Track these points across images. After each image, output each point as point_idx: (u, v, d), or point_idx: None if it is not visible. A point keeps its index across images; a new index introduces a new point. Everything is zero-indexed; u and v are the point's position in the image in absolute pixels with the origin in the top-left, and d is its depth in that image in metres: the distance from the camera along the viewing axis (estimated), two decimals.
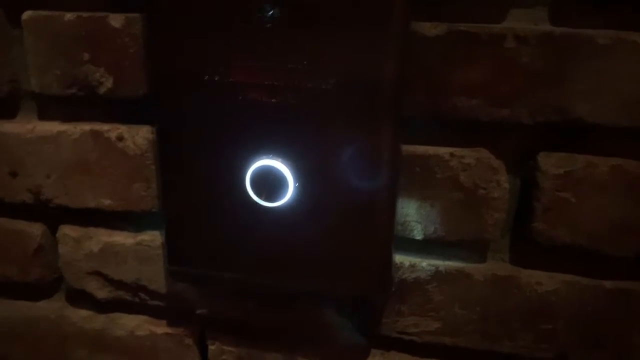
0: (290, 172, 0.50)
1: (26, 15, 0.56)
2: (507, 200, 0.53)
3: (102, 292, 0.65)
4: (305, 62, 0.47)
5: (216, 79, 0.49)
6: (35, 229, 0.65)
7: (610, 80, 0.47)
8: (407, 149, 0.52)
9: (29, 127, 0.60)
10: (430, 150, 0.52)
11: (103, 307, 0.67)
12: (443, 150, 0.52)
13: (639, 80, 0.47)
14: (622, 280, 0.53)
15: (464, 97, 0.50)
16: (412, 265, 0.56)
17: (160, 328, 0.65)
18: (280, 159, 0.50)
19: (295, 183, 0.50)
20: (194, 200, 0.54)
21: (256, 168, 0.51)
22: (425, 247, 0.56)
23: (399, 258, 0.56)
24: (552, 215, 0.52)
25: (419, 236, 0.55)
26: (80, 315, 0.68)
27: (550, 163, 0.51)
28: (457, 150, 0.52)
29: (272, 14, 0.46)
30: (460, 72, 0.49)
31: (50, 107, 0.60)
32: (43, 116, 0.61)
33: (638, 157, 0.50)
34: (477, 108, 0.50)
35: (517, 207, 0.54)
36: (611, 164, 0.50)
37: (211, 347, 0.65)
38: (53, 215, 0.64)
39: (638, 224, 0.51)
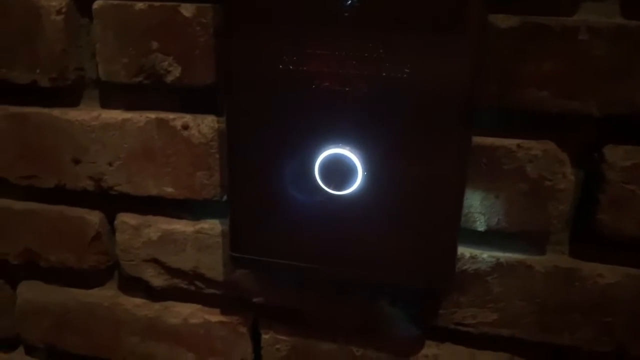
0: (360, 161, 0.51)
1: (97, 4, 0.57)
2: (572, 192, 0.53)
3: (158, 280, 0.66)
4: (380, 51, 0.47)
5: (291, 67, 0.49)
6: (94, 217, 0.65)
7: None
8: (475, 140, 0.53)
9: (94, 114, 0.60)
10: (497, 141, 0.53)
11: (157, 295, 0.68)
12: (510, 142, 0.53)
13: None
14: None
15: (534, 89, 0.50)
16: (473, 257, 0.57)
17: (214, 316, 0.66)
18: (349, 148, 0.51)
19: (364, 172, 0.51)
20: (261, 187, 0.54)
21: (326, 156, 0.51)
22: (486, 238, 0.57)
23: (460, 249, 0.57)
24: (617, 208, 0.52)
25: (481, 227, 0.56)
26: (134, 303, 0.68)
27: (618, 155, 0.51)
28: (524, 142, 0.53)
29: (350, 3, 0.47)
30: (532, 64, 0.50)
31: (114, 95, 0.61)
32: (105, 104, 0.62)
33: None
34: (546, 100, 0.50)
35: (580, 199, 0.55)
36: None
37: (265, 336, 0.65)
38: (111, 203, 0.65)
39: None
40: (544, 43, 0.49)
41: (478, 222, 0.56)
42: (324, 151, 0.51)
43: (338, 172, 0.52)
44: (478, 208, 0.55)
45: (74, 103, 0.63)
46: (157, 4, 0.55)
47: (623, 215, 0.52)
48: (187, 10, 0.55)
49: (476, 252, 0.57)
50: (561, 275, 0.56)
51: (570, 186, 0.53)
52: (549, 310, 0.57)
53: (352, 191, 0.52)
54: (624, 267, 0.55)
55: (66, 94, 0.61)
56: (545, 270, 0.56)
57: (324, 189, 0.52)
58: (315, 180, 0.52)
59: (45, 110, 0.62)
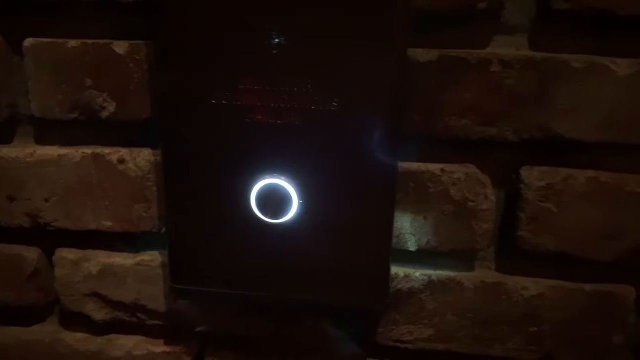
0: (295, 190, 0.53)
1: (28, 42, 0.57)
2: (494, 212, 0.57)
3: (100, 314, 0.66)
4: (309, 85, 0.50)
5: (224, 102, 0.51)
6: (32, 253, 0.65)
7: (586, 100, 0.52)
8: (402, 165, 0.56)
9: (29, 151, 0.60)
10: (423, 167, 0.56)
11: (99, 329, 0.67)
12: (435, 167, 0.56)
13: (610, 99, 0.52)
14: (602, 283, 0.58)
15: (455, 117, 0.54)
16: (407, 276, 0.60)
17: (158, 347, 0.66)
18: (285, 178, 0.53)
19: (299, 200, 0.53)
20: (198, 219, 0.56)
21: (262, 187, 0.53)
22: (419, 258, 0.59)
23: (394, 269, 0.60)
24: (536, 225, 0.56)
25: (413, 248, 0.59)
26: (76, 338, 0.68)
27: (533, 176, 0.55)
28: (448, 166, 0.56)
29: (278, 41, 0.49)
30: (451, 94, 0.53)
31: (49, 131, 0.61)
32: (41, 141, 0.62)
33: (612, 168, 0.55)
34: (467, 127, 0.54)
35: (502, 217, 0.58)
36: (588, 175, 0.55)
37: None
38: (49, 239, 0.64)
39: (614, 230, 0.55)
40: (461, 75, 0.53)
41: (410, 243, 0.58)
42: (260, 182, 0.53)
43: (274, 201, 0.53)
44: (409, 229, 0.58)
45: (7, 140, 0.62)
46: (89, 41, 0.56)
47: (542, 231, 0.56)
48: (120, 47, 0.56)
49: (409, 271, 0.60)
50: (489, 290, 0.59)
51: (492, 206, 0.56)
52: (481, 324, 0.60)
53: (289, 219, 0.54)
54: (546, 279, 0.59)
55: None
56: (474, 286, 0.59)
57: (261, 218, 0.54)
58: (252, 210, 0.54)
59: None
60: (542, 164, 0.56)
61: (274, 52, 0.49)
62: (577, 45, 0.52)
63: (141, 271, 0.63)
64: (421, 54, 0.53)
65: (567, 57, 0.51)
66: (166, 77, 0.52)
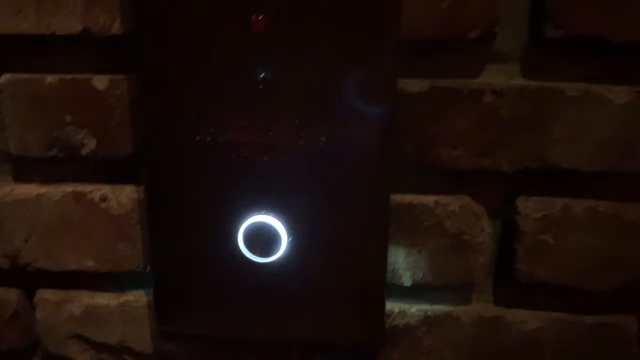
0: (284, 227, 0.51)
1: (4, 78, 0.55)
2: (490, 244, 0.55)
3: (83, 357, 0.63)
4: (296, 121, 0.48)
5: (208, 139, 0.49)
6: (11, 295, 0.62)
7: (581, 129, 0.51)
8: (395, 198, 0.54)
9: (6, 190, 0.58)
10: (416, 199, 0.54)
11: None
12: (428, 199, 0.54)
13: (606, 127, 0.50)
14: (602, 315, 0.56)
15: (448, 148, 0.52)
16: (402, 312, 0.58)
17: None
18: (273, 215, 0.51)
19: (288, 237, 0.51)
20: (185, 259, 0.54)
21: (249, 224, 0.51)
22: (414, 292, 0.57)
23: (389, 305, 0.57)
24: (533, 257, 0.54)
25: (407, 283, 0.57)
26: None
27: (530, 207, 0.54)
28: (442, 198, 0.54)
29: (263, 76, 0.47)
30: (443, 125, 0.51)
31: (28, 168, 0.59)
32: (19, 178, 0.60)
33: (609, 197, 0.53)
34: (460, 158, 0.52)
35: (499, 249, 0.57)
36: (585, 205, 0.53)
37: None
38: (29, 279, 0.62)
39: (613, 261, 0.54)
40: (453, 105, 0.51)
41: (404, 278, 0.56)
42: (247, 219, 0.51)
43: (262, 239, 0.51)
44: (403, 264, 0.56)
45: None
46: (68, 76, 0.54)
47: (539, 263, 0.55)
48: (100, 82, 0.54)
49: (405, 306, 0.58)
50: (487, 324, 0.57)
51: (487, 238, 0.55)
52: (479, 359, 0.58)
53: (278, 257, 0.52)
54: (546, 311, 0.57)
55: None
56: (472, 320, 0.57)
57: (249, 257, 0.52)
58: (240, 249, 0.52)
59: None
60: (539, 193, 0.54)
61: (260, 86, 0.48)
62: (572, 72, 0.51)
63: (126, 311, 0.61)
64: (411, 85, 0.51)
65: (562, 86, 0.50)
66: (148, 112, 0.50)
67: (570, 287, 0.55)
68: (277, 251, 0.52)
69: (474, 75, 0.52)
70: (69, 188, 0.57)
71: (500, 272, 0.57)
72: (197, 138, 0.49)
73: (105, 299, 0.61)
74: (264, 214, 0.51)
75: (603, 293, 0.55)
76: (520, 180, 0.54)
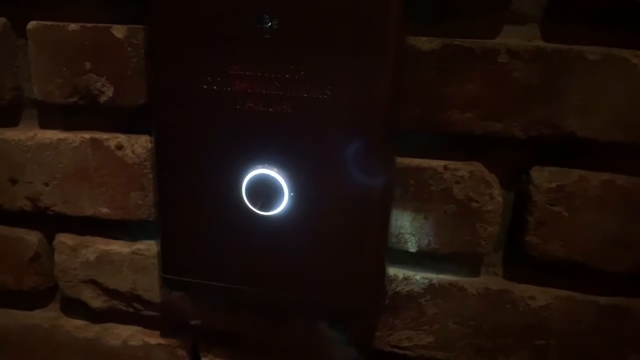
0: (286, 182, 0.51)
1: (31, 25, 0.57)
2: (501, 214, 0.53)
3: (96, 302, 0.65)
4: (302, 72, 0.48)
5: (215, 87, 0.49)
6: (32, 237, 0.65)
7: (601, 96, 0.48)
8: (402, 161, 0.53)
9: (29, 134, 0.60)
10: (425, 163, 0.53)
11: (97, 316, 0.67)
12: (437, 163, 0.53)
13: (629, 95, 0.48)
14: (616, 297, 0.54)
15: (458, 111, 0.50)
16: (406, 278, 0.57)
17: (154, 339, 0.65)
18: (276, 168, 0.51)
19: (290, 192, 0.51)
20: (190, 208, 0.54)
21: (252, 177, 0.51)
22: (420, 260, 0.56)
23: (393, 271, 0.57)
24: (545, 230, 0.52)
25: (413, 249, 0.56)
26: (74, 325, 0.67)
27: (543, 177, 0.51)
28: (451, 163, 0.53)
29: (270, 25, 0.47)
30: (455, 86, 0.50)
31: (52, 115, 0.61)
32: (44, 125, 0.62)
33: (629, 171, 0.50)
34: (471, 121, 0.51)
35: (511, 221, 0.55)
36: (603, 178, 0.50)
37: (204, 359, 0.64)
38: (50, 223, 0.64)
39: (630, 239, 0.51)
40: (465, 65, 0.49)
41: (409, 243, 0.55)
42: (250, 171, 0.51)
43: (264, 192, 0.51)
44: (408, 229, 0.55)
45: (12, 123, 0.62)
46: (89, 25, 0.55)
47: (550, 236, 0.52)
48: (118, 31, 0.55)
49: (409, 273, 0.57)
50: (493, 298, 0.55)
51: (498, 207, 0.53)
52: (483, 334, 0.56)
53: (280, 212, 0.52)
54: (556, 289, 0.55)
55: (3, 114, 0.61)
56: (478, 292, 0.56)
57: (251, 210, 0.52)
58: (243, 201, 0.52)
59: None
60: (555, 165, 0.52)
61: (266, 36, 0.47)
62: (595, 37, 0.48)
63: (137, 260, 0.62)
64: (423, 43, 0.50)
65: (581, 49, 0.48)
66: (157, 61, 0.51)
67: (582, 264, 0.53)
68: (279, 205, 0.51)
69: (491, 36, 0.50)
70: (87, 135, 0.59)
71: (511, 246, 0.55)
72: (204, 87, 0.50)
73: (118, 246, 0.62)
74: (269, 167, 0.51)
75: (618, 274, 0.52)
76: (536, 150, 0.52)
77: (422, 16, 0.50)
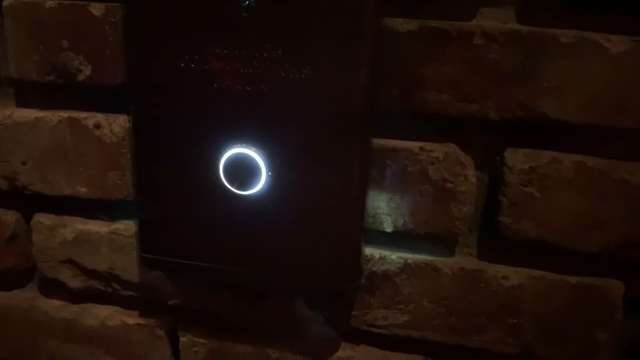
0: (264, 161, 0.51)
1: (7, 2, 0.57)
2: (475, 195, 0.54)
3: (75, 281, 0.65)
4: (279, 51, 0.48)
5: (192, 66, 0.50)
6: (10, 217, 0.65)
7: (573, 79, 0.49)
8: (379, 142, 0.54)
9: (6, 112, 0.60)
10: (401, 144, 0.54)
11: (76, 297, 0.67)
12: (413, 144, 0.53)
13: (601, 79, 0.49)
14: (587, 276, 0.55)
15: (434, 92, 0.51)
16: (382, 258, 0.57)
17: (132, 318, 0.66)
18: (253, 148, 0.51)
19: (268, 172, 0.51)
20: (168, 187, 0.54)
21: (229, 156, 0.51)
22: (395, 240, 0.57)
23: (369, 250, 0.57)
24: (517, 210, 0.53)
25: (389, 229, 0.56)
26: (52, 305, 0.67)
27: (517, 159, 0.52)
28: (427, 145, 0.53)
29: (247, 3, 0.47)
30: (431, 68, 0.51)
31: (29, 94, 0.61)
32: (21, 103, 0.62)
33: (601, 153, 0.51)
34: (446, 103, 0.51)
35: (486, 202, 0.56)
36: (574, 160, 0.51)
37: (182, 339, 0.65)
38: (27, 203, 0.64)
39: (601, 220, 0.52)
40: (441, 47, 0.50)
41: (385, 224, 0.56)
42: (228, 151, 0.52)
43: (242, 171, 0.52)
44: (385, 209, 0.56)
45: None
46: (66, 2, 0.55)
47: (523, 217, 0.53)
48: (96, 9, 0.55)
49: (385, 253, 0.58)
50: (467, 277, 0.56)
51: (472, 188, 0.54)
52: (458, 312, 0.57)
53: (257, 191, 0.52)
54: (528, 268, 0.56)
55: None
56: (452, 272, 0.57)
57: (229, 189, 0.52)
58: (220, 180, 0.52)
59: None
60: (529, 147, 0.53)
61: (244, 14, 0.48)
62: (569, 21, 0.49)
63: (115, 240, 0.62)
64: (401, 24, 0.50)
65: (555, 32, 0.48)
66: (135, 39, 0.51)
67: (554, 244, 0.54)
68: (256, 185, 0.52)
69: (468, 19, 0.51)
70: (64, 114, 0.59)
71: (485, 227, 0.56)
72: (182, 65, 0.50)
73: (96, 226, 0.63)
74: (247, 146, 0.51)
75: (589, 254, 0.54)
76: (511, 132, 0.53)
77: None
